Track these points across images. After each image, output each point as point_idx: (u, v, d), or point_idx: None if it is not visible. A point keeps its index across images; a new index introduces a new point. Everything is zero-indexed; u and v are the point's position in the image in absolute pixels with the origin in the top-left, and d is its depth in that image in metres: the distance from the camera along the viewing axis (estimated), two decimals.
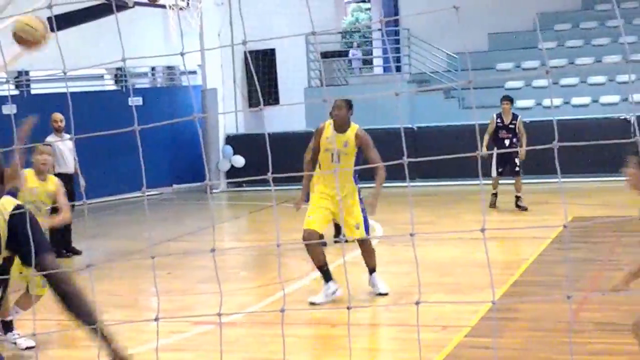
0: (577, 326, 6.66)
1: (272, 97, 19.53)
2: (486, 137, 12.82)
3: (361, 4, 32.05)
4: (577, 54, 20.46)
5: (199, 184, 17.13)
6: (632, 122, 16.59)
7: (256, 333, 7.02)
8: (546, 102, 19.25)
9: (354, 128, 7.89)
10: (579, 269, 8.76)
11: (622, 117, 16.71)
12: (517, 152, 12.68)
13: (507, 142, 12.88)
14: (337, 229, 10.41)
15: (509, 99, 13.11)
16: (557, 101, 19.18)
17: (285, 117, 19.31)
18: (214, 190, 18.37)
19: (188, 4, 14.80)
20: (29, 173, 7.36)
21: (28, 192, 7.15)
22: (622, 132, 15.08)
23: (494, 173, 12.99)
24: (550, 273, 8.69)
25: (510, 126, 12.87)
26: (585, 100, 19.01)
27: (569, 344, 6.17)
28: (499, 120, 12.94)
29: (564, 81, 19.69)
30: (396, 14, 23.36)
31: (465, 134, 14.99)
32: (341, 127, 7.79)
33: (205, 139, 18.26)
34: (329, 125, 7.86)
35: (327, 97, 3.28)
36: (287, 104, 19.72)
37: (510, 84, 19.84)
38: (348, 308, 3.40)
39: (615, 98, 18.76)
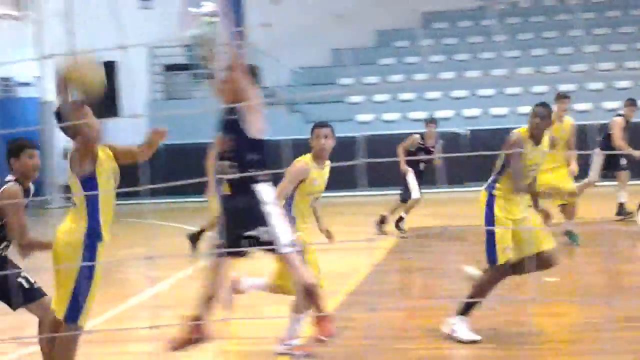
0: (408, 333, 6.92)
1: (111, 110, 19.13)
2: (401, 152, 11.70)
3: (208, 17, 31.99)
4: (414, 70, 21.25)
5: (33, 199, 16.50)
6: (464, 135, 17.38)
7: (89, 352, 6.84)
8: (385, 116, 19.86)
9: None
10: (411, 278, 9.12)
11: (455, 132, 17.47)
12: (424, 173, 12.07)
13: (421, 165, 12.02)
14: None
15: (434, 121, 12.32)
16: (395, 115, 19.82)
17: (127, 130, 18.91)
18: (49, 206, 17.78)
19: (23, 14, 14.32)
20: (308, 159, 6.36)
21: (309, 183, 6.40)
22: (458, 147, 15.77)
23: (416, 195, 11.89)
24: (385, 282, 8.97)
25: (431, 149, 11.92)
26: (422, 114, 19.75)
27: (399, 351, 6.41)
28: (421, 142, 11.93)
29: (403, 96, 20.39)
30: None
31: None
32: (540, 136, 6.77)
33: (41, 153, 17.65)
34: (525, 134, 6.72)
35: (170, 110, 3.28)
36: (127, 116, 19.37)
37: (351, 99, 20.35)
38: (149, 327, 3.39)
39: (449, 113, 19.60)
